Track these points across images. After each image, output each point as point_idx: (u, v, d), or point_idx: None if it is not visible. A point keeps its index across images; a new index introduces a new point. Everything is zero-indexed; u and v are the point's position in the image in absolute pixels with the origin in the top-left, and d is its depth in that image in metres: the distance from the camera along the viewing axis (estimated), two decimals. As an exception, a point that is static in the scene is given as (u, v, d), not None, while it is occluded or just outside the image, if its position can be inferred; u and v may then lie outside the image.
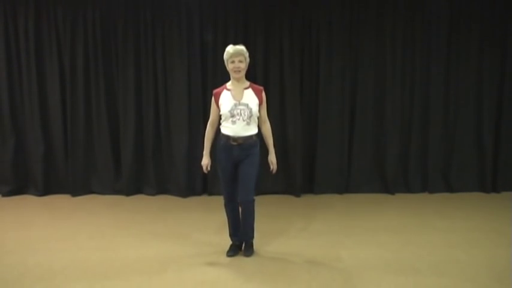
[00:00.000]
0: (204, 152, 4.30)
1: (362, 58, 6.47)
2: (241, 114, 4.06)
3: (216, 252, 4.41)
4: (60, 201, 6.42)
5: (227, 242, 4.51)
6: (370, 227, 5.14)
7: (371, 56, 6.47)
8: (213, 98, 4.22)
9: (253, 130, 4.14)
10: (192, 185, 6.57)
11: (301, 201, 6.37)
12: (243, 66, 4.12)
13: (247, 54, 4.14)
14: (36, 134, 6.54)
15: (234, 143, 4.09)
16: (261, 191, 6.53)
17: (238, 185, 4.19)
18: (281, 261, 4.19)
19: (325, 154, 6.55)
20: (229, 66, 4.12)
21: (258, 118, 4.20)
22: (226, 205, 4.36)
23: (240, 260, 4.25)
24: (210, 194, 6.59)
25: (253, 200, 4.24)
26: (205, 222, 5.39)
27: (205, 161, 4.30)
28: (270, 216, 5.57)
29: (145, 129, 6.56)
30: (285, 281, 3.78)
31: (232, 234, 4.44)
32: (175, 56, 6.39)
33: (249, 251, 4.37)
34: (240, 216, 4.34)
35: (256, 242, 4.53)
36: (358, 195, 6.54)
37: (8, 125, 6.55)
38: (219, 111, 4.16)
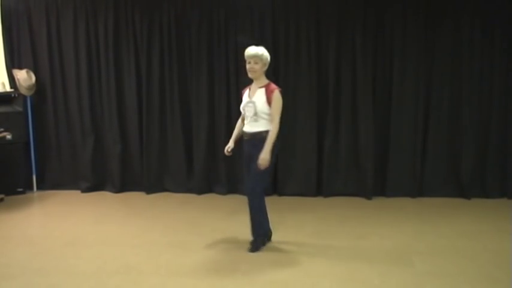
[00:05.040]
0: (232, 138, 4.72)
1: (437, 57, 6.25)
2: (248, 111, 4.37)
3: (286, 253, 4.45)
4: (135, 198, 6.66)
5: (299, 243, 4.55)
6: (444, 232, 4.99)
7: (447, 54, 6.23)
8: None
9: (261, 127, 4.33)
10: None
11: (372, 203, 6.25)
12: (258, 67, 4.34)
13: (263, 57, 4.34)
14: (114, 133, 6.81)
15: (245, 138, 4.46)
16: (331, 192, 6.48)
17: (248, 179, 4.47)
18: (351, 264, 4.15)
19: (398, 156, 6.38)
20: (247, 67, 4.39)
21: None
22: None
23: (309, 261, 4.24)
24: (280, 194, 6.59)
25: (258, 194, 4.40)
26: (275, 223, 5.39)
27: (228, 144, 4.69)
28: (340, 219, 5.54)
29: (218, 129, 6.66)
30: (354, 285, 3.74)
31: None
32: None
33: (253, 247, 4.51)
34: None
35: (326, 243, 4.51)
36: (431, 199, 6.32)
37: (88, 125, 6.86)
38: None
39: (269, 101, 4.30)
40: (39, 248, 4.63)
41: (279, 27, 6.42)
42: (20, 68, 6.77)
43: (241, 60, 6.41)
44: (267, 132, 4.30)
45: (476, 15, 6.12)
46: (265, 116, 4.31)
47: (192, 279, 3.89)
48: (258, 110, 4.29)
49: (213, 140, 6.70)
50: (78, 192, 6.94)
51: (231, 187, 6.75)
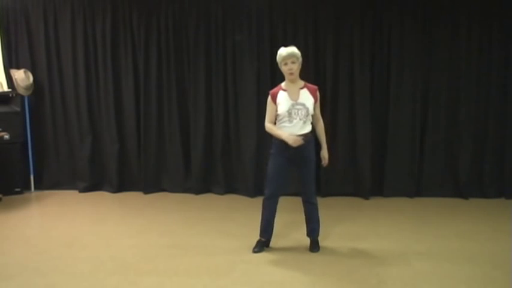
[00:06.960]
0: (282, 134, 4.18)
1: (435, 58, 6.26)
2: (298, 113, 4.18)
3: (284, 253, 4.45)
4: (133, 198, 6.65)
5: (295, 242, 4.58)
6: (441, 232, 5.00)
7: (445, 56, 6.25)
8: (269, 98, 4.34)
9: (308, 128, 4.27)
10: (260, 185, 6.59)
11: (369, 203, 6.26)
12: (296, 67, 4.21)
13: (299, 55, 4.23)
14: (112, 133, 6.81)
15: None
16: (329, 192, 6.48)
17: (301, 182, 4.40)
18: (348, 264, 4.16)
19: (396, 156, 6.39)
20: (283, 68, 4.23)
21: (312, 116, 4.32)
22: (266, 200, 4.44)
23: (306, 261, 4.26)
24: (278, 194, 6.58)
25: (316, 195, 4.46)
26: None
27: (291, 135, 4.15)
28: (338, 218, 5.53)
29: (215, 129, 6.67)
30: (351, 284, 3.74)
31: (264, 231, 4.49)
32: (245, 57, 6.46)
33: (315, 248, 4.49)
34: (305, 213, 4.50)
35: (324, 243, 4.52)
36: (429, 199, 6.33)
37: (86, 124, 6.85)
38: (277, 110, 4.27)
39: (315, 101, 4.31)
40: (37, 248, 4.63)
41: (277, 28, 6.42)
42: (18, 68, 6.75)
43: (239, 60, 6.49)
44: (310, 133, 4.30)
45: (474, 15, 6.13)
46: (311, 117, 4.29)
47: (190, 279, 3.89)
48: (310, 111, 4.24)
49: (211, 140, 6.70)
50: (76, 192, 6.93)
51: (228, 187, 6.75)
